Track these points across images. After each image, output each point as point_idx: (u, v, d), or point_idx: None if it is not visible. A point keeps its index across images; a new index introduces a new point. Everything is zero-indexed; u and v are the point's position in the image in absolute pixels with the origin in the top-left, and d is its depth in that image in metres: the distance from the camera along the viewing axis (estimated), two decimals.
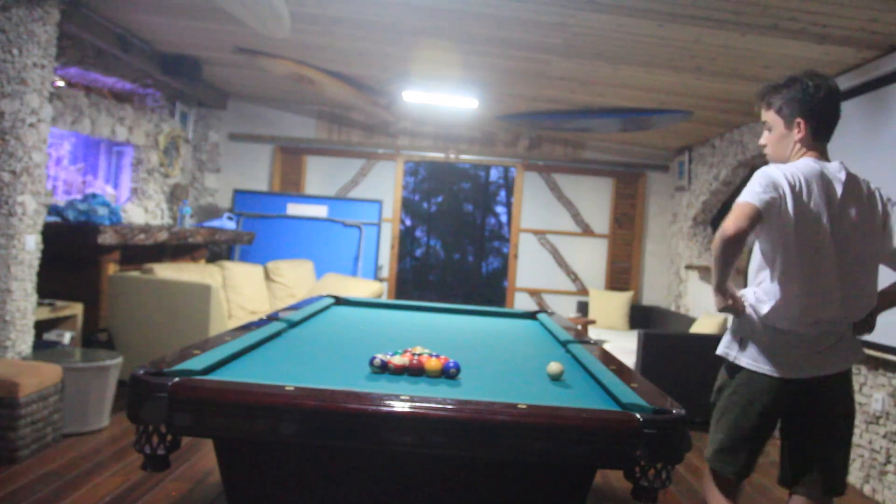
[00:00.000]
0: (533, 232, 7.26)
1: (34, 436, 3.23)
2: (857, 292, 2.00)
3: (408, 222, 18.74)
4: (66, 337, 4.15)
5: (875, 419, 3.66)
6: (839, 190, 1.96)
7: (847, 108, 3.95)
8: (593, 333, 5.91)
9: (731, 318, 2.13)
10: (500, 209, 19.38)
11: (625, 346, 5.18)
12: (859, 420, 3.79)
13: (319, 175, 7.16)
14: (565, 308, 7.07)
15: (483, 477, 1.69)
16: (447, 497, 1.71)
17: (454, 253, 19.60)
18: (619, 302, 6.80)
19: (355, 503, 1.72)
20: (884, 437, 3.59)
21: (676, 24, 3.49)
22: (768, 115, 2.07)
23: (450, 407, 1.52)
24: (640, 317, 6.82)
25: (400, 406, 1.50)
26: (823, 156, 2.04)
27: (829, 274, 1.96)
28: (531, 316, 3.59)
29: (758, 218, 1.88)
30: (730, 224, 1.87)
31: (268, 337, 2.31)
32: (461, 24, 3.83)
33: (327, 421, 1.51)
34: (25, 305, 3.64)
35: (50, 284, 4.04)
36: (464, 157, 7.31)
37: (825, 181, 1.96)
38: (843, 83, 3.98)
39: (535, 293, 7.23)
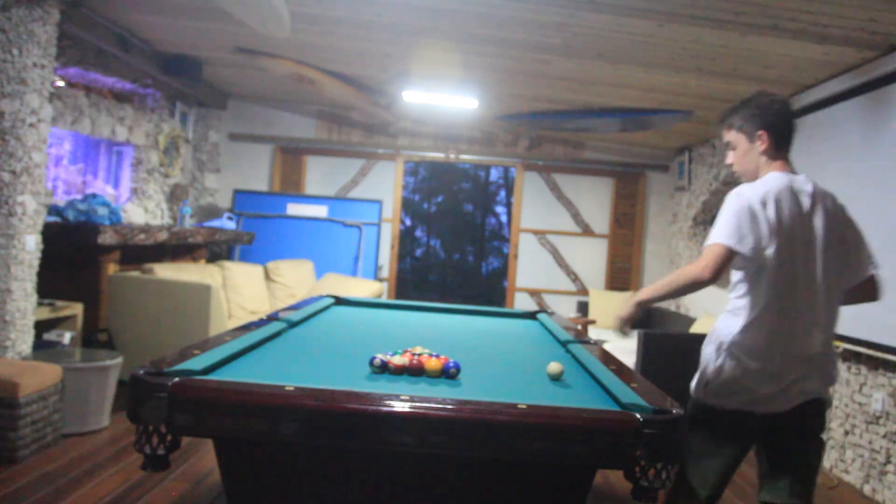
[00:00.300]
0: (533, 232, 7.26)
1: (34, 436, 3.23)
2: (824, 306, 2.02)
3: (408, 222, 18.74)
4: (66, 337, 4.15)
5: (875, 419, 3.67)
6: (807, 203, 2.02)
7: (847, 108, 4.00)
8: (593, 333, 5.91)
9: (706, 347, 2.17)
10: (500, 209, 19.36)
11: (625, 346, 5.18)
12: (859, 420, 3.80)
13: (319, 175, 7.16)
14: (565, 308, 7.07)
15: (483, 477, 1.69)
16: (447, 497, 1.71)
17: (454, 253, 19.59)
18: (619, 302, 6.80)
19: (355, 503, 1.72)
20: (884, 437, 3.59)
21: (676, 24, 3.49)
22: (731, 135, 2.16)
23: (450, 407, 1.52)
24: (640, 317, 6.81)
25: (400, 406, 1.50)
26: (789, 166, 2.11)
27: (800, 289, 1.99)
28: (531, 316, 3.59)
29: (732, 258, 1.94)
30: (707, 270, 1.91)
31: (268, 337, 2.31)
32: (461, 24, 3.83)
33: (327, 421, 1.51)
34: (25, 305, 3.64)
35: (50, 284, 4.03)
36: (464, 157, 7.31)
37: (793, 194, 2.01)
38: (843, 83, 3.99)
39: (535, 293, 7.23)
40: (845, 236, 2.06)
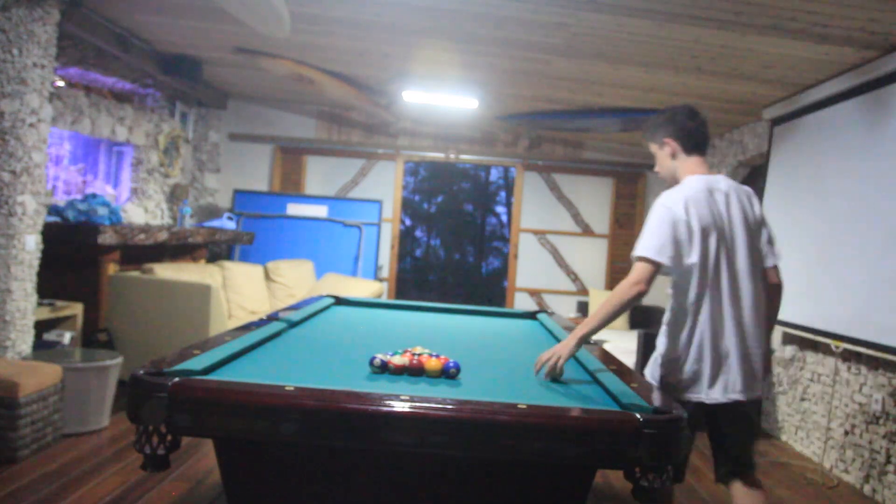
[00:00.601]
0: (533, 232, 7.26)
1: (34, 436, 3.23)
2: (750, 300, 2.15)
3: (408, 222, 18.74)
4: (66, 337, 4.15)
5: (875, 419, 3.66)
6: (721, 200, 2.19)
7: (847, 108, 4.00)
8: None
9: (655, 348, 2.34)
10: (500, 209, 19.36)
11: (625, 347, 5.18)
12: (859, 420, 3.79)
13: (319, 175, 7.16)
14: (565, 308, 7.07)
15: (483, 477, 1.69)
16: (447, 497, 1.71)
17: (454, 253, 19.59)
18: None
19: (355, 503, 1.72)
20: (884, 437, 3.59)
21: (676, 24, 3.49)
22: (650, 147, 2.41)
23: (450, 407, 1.52)
24: (640, 317, 6.81)
25: (400, 406, 1.50)
26: (704, 167, 2.29)
27: (724, 285, 2.14)
28: (531, 316, 3.59)
29: (659, 268, 2.11)
30: (642, 284, 2.09)
31: (268, 337, 2.31)
32: (461, 24, 3.83)
33: (327, 421, 1.51)
34: (25, 305, 3.64)
35: (50, 284, 4.04)
36: (464, 157, 7.30)
37: (710, 194, 2.18)
38: (843, 83, 3.98)
39: (535, 293, 7.23)
40: (759, 228, 2.24)
